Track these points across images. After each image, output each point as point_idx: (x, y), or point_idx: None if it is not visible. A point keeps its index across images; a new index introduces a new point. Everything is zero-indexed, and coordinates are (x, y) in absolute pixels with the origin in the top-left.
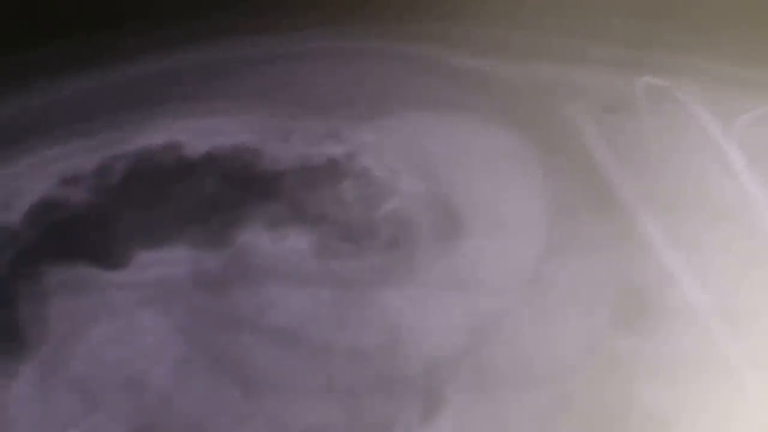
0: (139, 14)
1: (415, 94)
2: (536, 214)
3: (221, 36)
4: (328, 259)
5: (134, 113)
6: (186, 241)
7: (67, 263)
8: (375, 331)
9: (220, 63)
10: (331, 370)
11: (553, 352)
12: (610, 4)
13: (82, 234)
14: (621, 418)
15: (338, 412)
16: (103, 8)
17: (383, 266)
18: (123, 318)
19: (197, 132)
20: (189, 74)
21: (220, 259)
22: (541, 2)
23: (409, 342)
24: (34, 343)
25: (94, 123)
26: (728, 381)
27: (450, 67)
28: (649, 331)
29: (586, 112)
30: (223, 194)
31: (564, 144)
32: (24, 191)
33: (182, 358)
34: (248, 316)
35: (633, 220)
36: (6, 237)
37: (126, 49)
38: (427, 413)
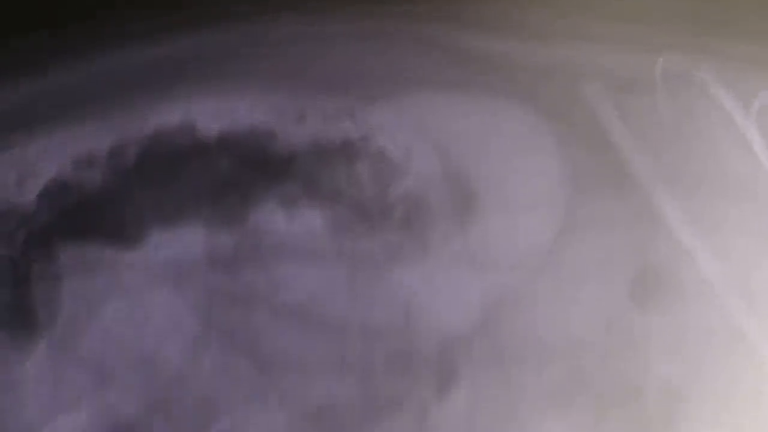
0: None
1: (430, 74)
2: (551, 192)
3: (237, 18)
4: (342, 237)
5: (149, 95)
6: (200, 221)
7: (80, 243)
8: (388, 308)
9: (234, 44)
10: (344, 347)
11: (567, 328)
12: None
13: (95, 214)
14: (636, 392)
15: (352, 389)
16: None
17: (397, 244)
18: (136, 297)
19: (211, 113)
20: (204, 56)
21: (234, 238)
22: None
23: (422, 319)
24: (47, 322)
25: (109, 105)
26: (745, 356)
27: (465, 47)
28: (666, 307)
29: (603, 91)
30: (237, 174)
31: (580, 123)
32: (38, 172)
33: (195, 335)
34: (262, 294)
35: (649, 198)
36: (20, 218)
37: (141, 30)
38: (441, 390)
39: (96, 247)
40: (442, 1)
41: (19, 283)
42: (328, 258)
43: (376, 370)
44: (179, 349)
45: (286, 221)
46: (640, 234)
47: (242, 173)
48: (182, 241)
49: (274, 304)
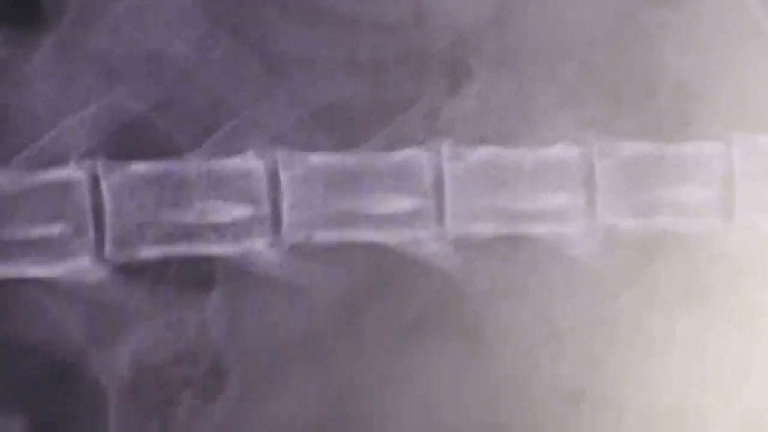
0: None
1: None
2: None
3: None
4: None
5: None
6: None
7: None
8: (399, 3)
9: None
10: (354, 44)
11: (580, 24)
12: None
13: None
14: (650, 88)
15: (362, 87)
16: None
17: None
18: None
19: None
20: None
21: None
22: None
23: (433, 14)
24: (54, 17)
25: None
26: (760, 52)
27: None
28: (679, 1)
29: None
30: None
31: None
32: None
33: (203, 32)
34: None
35: None
36: None
37: None
38: (453, 86)
39: None
40: None
41: None
42: None
43: (386, 68)
44: (186, 45)
45: None
46: None
47: None
48: None
49: None
